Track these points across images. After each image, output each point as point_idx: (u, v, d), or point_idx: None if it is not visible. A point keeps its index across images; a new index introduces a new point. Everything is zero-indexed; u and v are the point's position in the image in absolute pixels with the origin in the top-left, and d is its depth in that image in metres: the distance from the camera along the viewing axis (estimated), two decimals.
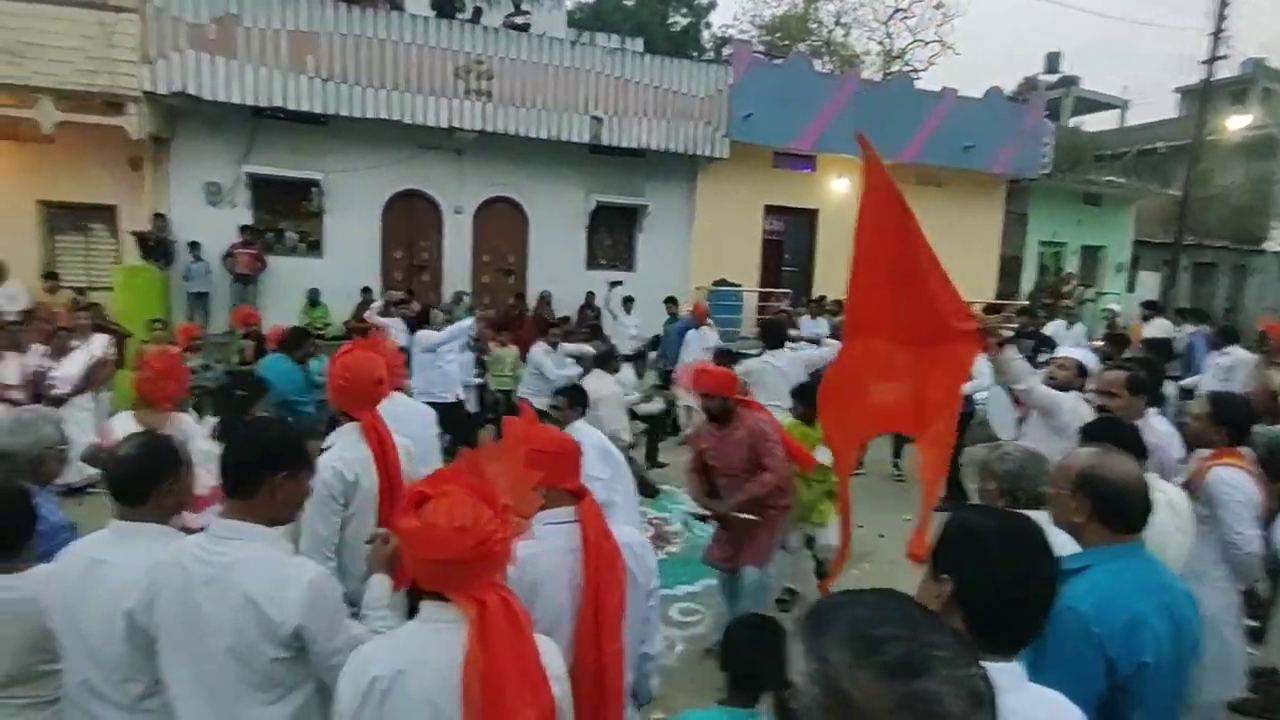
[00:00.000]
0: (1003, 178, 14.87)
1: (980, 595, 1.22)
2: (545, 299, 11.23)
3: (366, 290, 10.24)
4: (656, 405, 8.34)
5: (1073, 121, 26.18)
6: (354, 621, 1.72)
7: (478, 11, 11.55)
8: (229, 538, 1.64)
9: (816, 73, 14.17)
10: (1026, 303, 13.91)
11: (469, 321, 7.12)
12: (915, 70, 22.95)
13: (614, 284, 11.07)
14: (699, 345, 8.31)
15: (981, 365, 6.54)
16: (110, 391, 7.23)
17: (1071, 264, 16.81)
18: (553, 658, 1.46)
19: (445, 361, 6.75)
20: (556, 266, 11.78)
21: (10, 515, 2.02)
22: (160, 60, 9.04)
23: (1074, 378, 3.57)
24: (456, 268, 11.47)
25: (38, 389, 6.25)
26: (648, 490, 6.52)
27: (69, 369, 6.54)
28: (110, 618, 1.74)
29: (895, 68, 23.96)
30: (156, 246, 9.50)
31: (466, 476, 1.40)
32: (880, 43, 24.97)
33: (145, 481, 1.87)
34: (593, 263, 12.25)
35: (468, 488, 1.37)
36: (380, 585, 1.96)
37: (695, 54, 20.30)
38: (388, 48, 9.96)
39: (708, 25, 24.40)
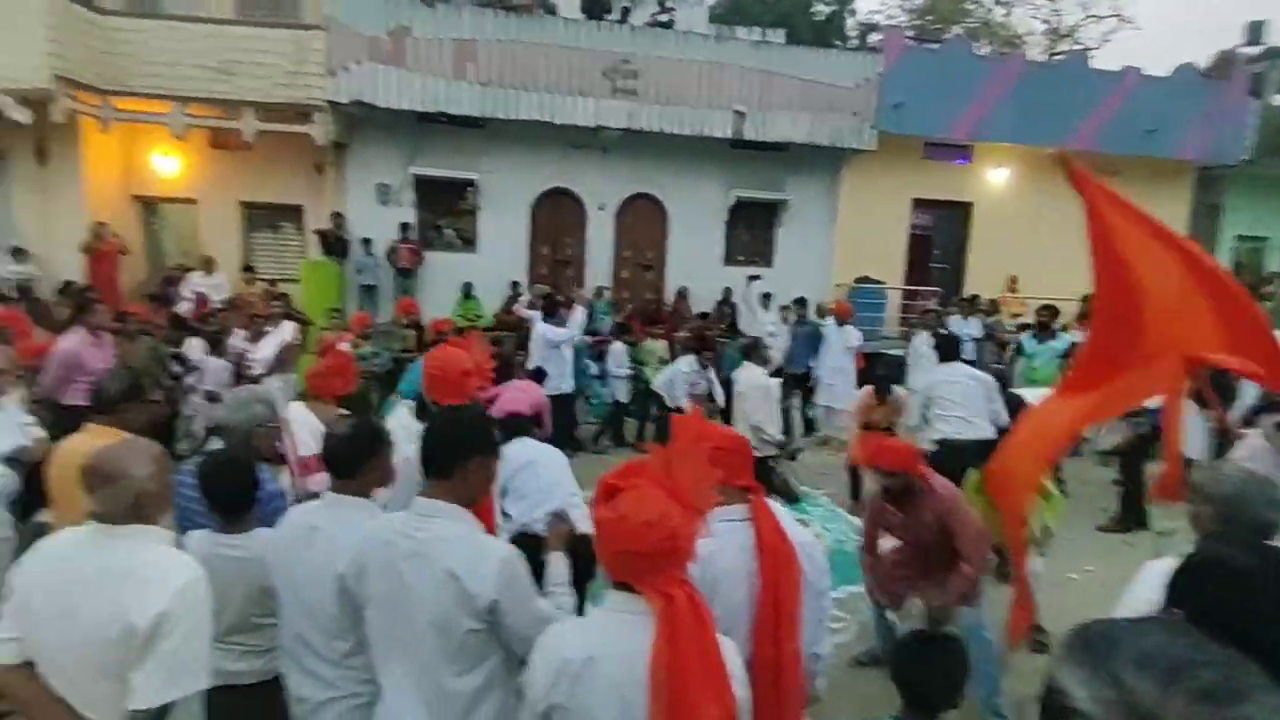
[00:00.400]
0: (1192, 165, 13.32)
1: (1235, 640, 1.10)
2: (682, 294, 11.32)
3: (515, 284, 10.76)
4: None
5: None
6: (541, 598, 1.83)
7: (625, 11, 11.78)
8: (430, 515, 1.77)
9: (976, 56, 13.31)
10: None
11: (581, 319, 7.58)
12: (1087, 49, 21.00)
13: (752, 278, 10.94)
14: (841, 344, 8.06)
15: None
16: (295, 373, 8.06)
17: (1275, 262, 14.79)
18: (733, 657, 1.47)
19: (565, 355, 7.30)
20: (694, 262, 11.83)
21: (239, 483, 2.29)
22: (342, 72, 9.93)
23: None
24: (598, 263, 11.79)
25: (238, 369, 7.08)
26: (789, 496, 6.45)
27: (263, 352, 7.34)
28: (322, 579, 1.93)
29: (1062, 47, 22.05)
30: (335, 243, 10.46)
31: (655, 472, 1.43)
32: (1046, 20, 23.08)
33: (354, 459, 2.08)
34: (730, 258, 12.19)
35: (656, 482, 1.41)
36: (558, 563, 2.08)
37: (839, 43, 19.63)
38: (540, 51, 10.38)
39: (852, 12, 23.51)
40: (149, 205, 11.29)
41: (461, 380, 2.80)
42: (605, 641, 1.42)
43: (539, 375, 6.40)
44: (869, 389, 5.96)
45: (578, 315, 7.58)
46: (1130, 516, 5.87)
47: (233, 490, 2.27)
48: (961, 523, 3.23)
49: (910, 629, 2.10)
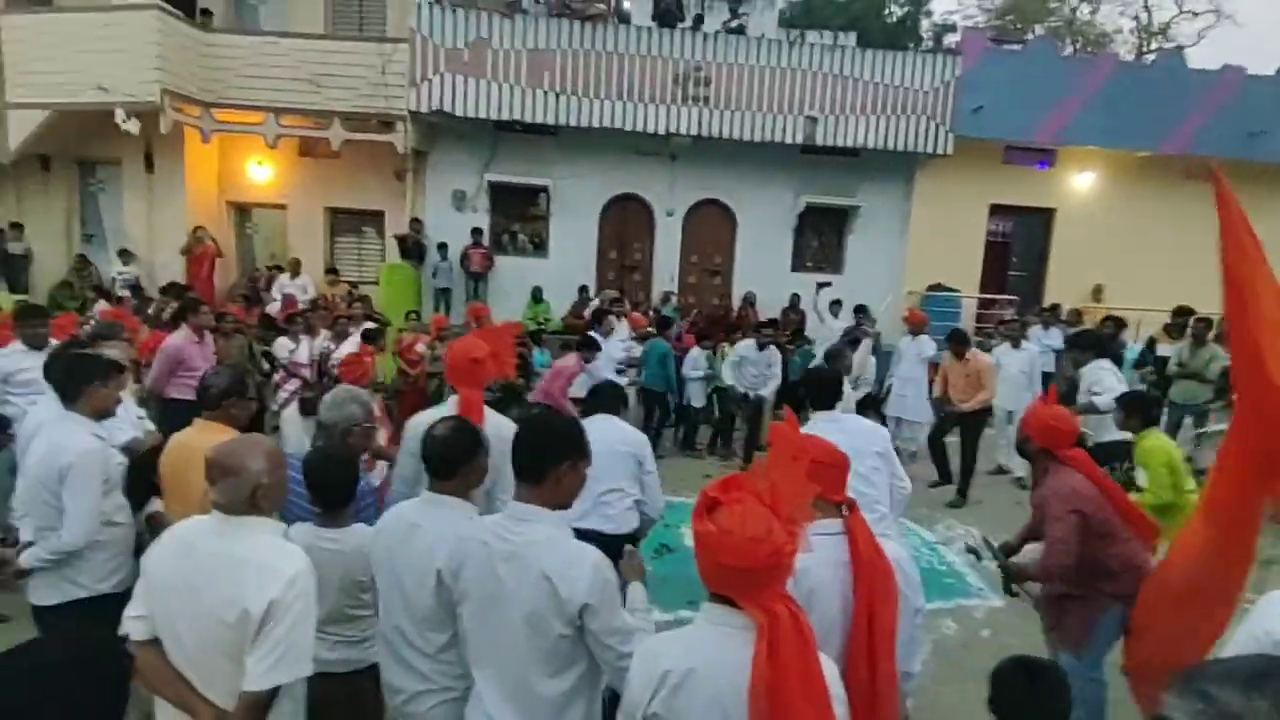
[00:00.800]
0: None
1: None
2: (750, 300, 11.26)
3: (584, 288, 10.92)
4: None
5: None
6: (625, 611, 1.86)
7: (698, 19, 11.82)
8: (524, 519, 1.83)
9: (1061, 57, 12.82)
10: None
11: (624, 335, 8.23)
12: (1181, 47, 19.92)
13: (822, 285, 10.81)
14: (916, 356, 7.85)
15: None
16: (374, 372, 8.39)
17: None
18: (834, 677, 1.45)
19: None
20: (762, 268, 11.76)
21: (342, 478, 2.40)
22: (423, 83, 10.30)
23: None
24: (665, 268, 11.85)
25: (322, 369, 7.41)
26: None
27: (346, 351, 7.68)
28: (422, 574, 2.01)
29: (1154, 46, 20.98)
30: (413, 247, 10.85)
31: (755, 485, 1.43)
32: (1135, 18, 22.04)
33: (454, 460, 2.16)
34: (798, 265, 12.06)
35: (758, 496, 1.41)
36: (637, 590, 2.12)
37: (913, 45, 19.18)
38: (613, 60, 10.53)
39: (928, 14, 22.98)
40: (242, 210, 11.96)
41: (471, 367, 2.92)
42: (706, 654, 1.42)
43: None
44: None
45: (620, 331, 8.23)
46: None
47: (335, 485, 2.38)
48: (1049, 527, 2.95)
49: (1012, 656, 2.02)
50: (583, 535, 1.92)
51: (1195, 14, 21.25)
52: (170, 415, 4.74)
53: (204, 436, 2.59)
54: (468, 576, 1.86)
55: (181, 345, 5.44)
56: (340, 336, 7.75)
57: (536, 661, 1.76)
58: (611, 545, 2.50)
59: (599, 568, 1.75)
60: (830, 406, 3.45)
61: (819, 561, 1.78)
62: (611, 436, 3.35)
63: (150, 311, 8.42)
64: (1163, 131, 11.54)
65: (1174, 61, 13.39)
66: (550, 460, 1.84)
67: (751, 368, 7.83)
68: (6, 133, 10.10)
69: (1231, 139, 11.69)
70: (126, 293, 9.50)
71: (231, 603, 1.76)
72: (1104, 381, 5.71)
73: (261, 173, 11.43)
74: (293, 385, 7.07)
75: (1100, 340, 6.51)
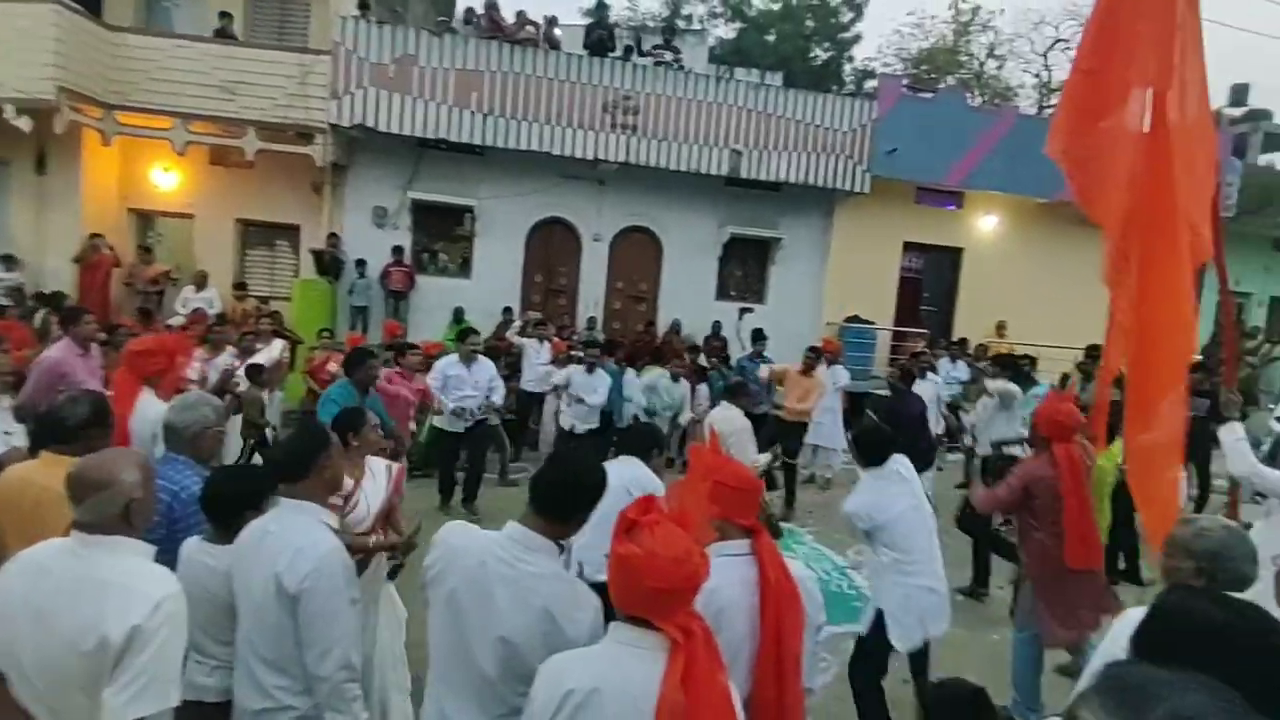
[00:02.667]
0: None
1: None
2: (675, 328, 11.38)
3: (507, 310, 10.78)
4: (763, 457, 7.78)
5: (1262, 160, 23.54)
6: None
7: (629, 50, 12.03)
8: (530, 548, 1.76)
9: (969, 107, 13.64)
10: (1201, 358, 12.57)
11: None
12: None
13: (744, 310, 11.02)
14: (830, 383, 8.09)
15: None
16: (281, 391, 8.01)
17: (1257, 317, 15.09)
18: (737, 699, 1.46)
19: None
20: (687, 296, 11.92)
21: (230, 491, 2.25)
22: (345, 96, 10.05)
23: None
24: (591, 293, 11.86)
25: (224, 385, 7.03)
26: (773, 531, 6.40)
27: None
28: (267, 580, 1.94)
29: (1053, 101, 22.63)
30: (329, 263, 10.49)
31: (669, 506, 1.44)
32: (1037, 75, 23.73)
33: (299, 460, 2.09)
34: (722, 293, 12.29)
35: (671, 517, 1.41)
36: None
37: (836, 88, 20.07)
38: (543, 84, 10.57)
39: (850, 59, 24.10)
40: (145, 219, 11.30)
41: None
42: (612, 674, 1.40)
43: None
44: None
45: (541, 354, 8.47)
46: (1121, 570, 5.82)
47: (226, 498, 2.25)
48: (1012, 478, 3.70)
49: (936, 679, 2.07)
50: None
51: None
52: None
53: (49, 472, 2.26)
54: (454, 586, 1.77)
55: (61, 358, 5.02)
56: (246, 353, 7.40)
57: (515, 679, 1.69)
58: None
59: (600, 612, 1.72)
60: (879, 463, 3.35)
61: (728, 581, 1.79)
62: (625, 479, 2.99)
63: (35, 322, 7.82)
64: (1057, 180, 12.32)
65: None
66: (580, 506, 1.81)
67: (666, 395, 8.08)
68: None
69: None
70: (8, 300, 8.79)
71: (88, 630, 1.62)
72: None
73: (168, 180, 10.86)
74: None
75: (1016, 365, 7.38)
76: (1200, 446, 6.57)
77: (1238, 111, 24.64)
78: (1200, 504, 7.31)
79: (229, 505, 2.23)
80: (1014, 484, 3.66)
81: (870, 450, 3.40)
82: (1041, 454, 3.69)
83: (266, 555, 1.97)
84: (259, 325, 8.23)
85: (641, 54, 11.95)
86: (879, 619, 3.34)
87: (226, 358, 7.28)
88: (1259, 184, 16.33)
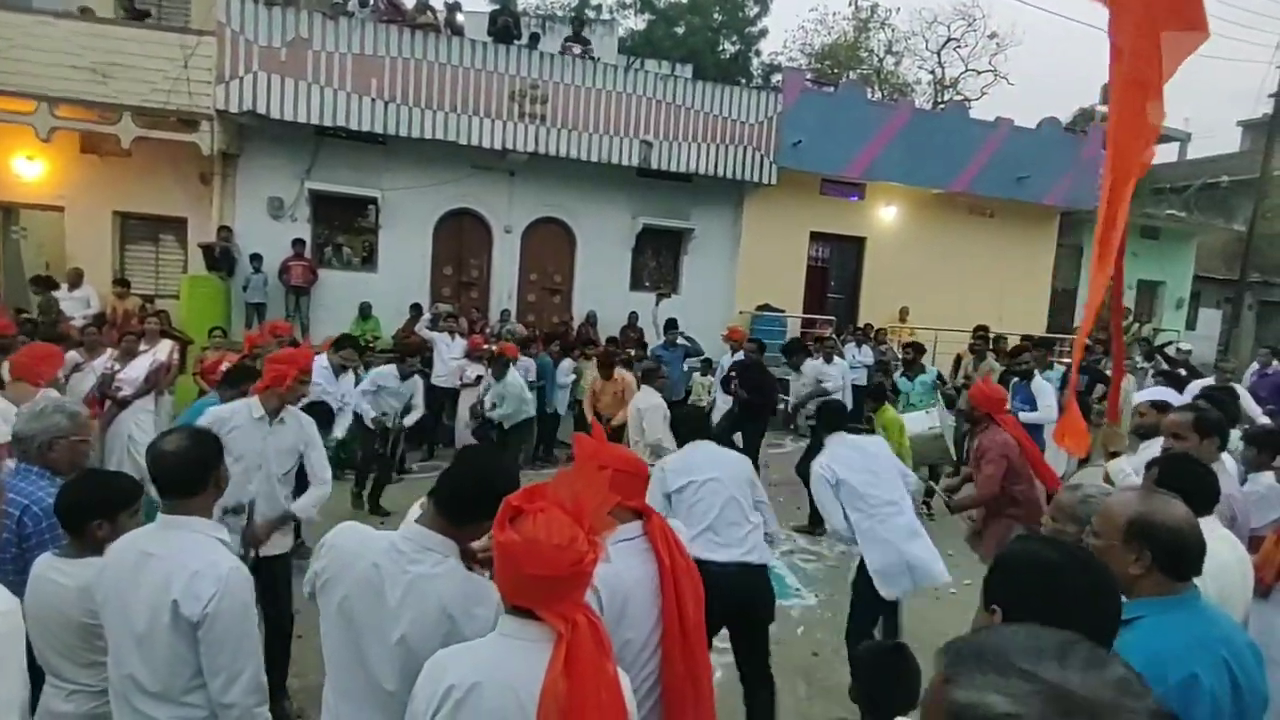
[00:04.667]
0: (1056, 209, 14.58)
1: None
2: (591, 319, 11.35)
3: (416, 305, 10.48)
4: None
5: None
6: None
7: (534, 38, 11.84)
8: (427, 548, 1.70)
9: (868, 101, 14.14)
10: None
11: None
12: (967, 100, 22.73)
13: (661, 295, 11.10)
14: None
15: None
16: (172, 395, 7.51)
17: (1128, 299, 16.34)
18: (628, 690, 1.45)
19: None
20: (601, 287, 11.91)
21: (81, 500, 2.07)
22: (233, 80, 9.48)
23: (1158, 419, 3.48)
24: (504, 286, 11.67)
25: (104, 391, 6.53)
26: None
27: (133, 373, 6.81)
28: (156, 609, 1.78)
29: (947, 97, 23.79)
30: (221, 257, 9.89)
31: (558, 494, 1.42)
32: (932, 72, 24.86)
33: (191, 477, 1.92)
34: (637, 284, 12.34)
35: (560, 505, 1.39)
36: None
37: (744, 81, 20.43)
38: (447, 71, 10.28)
39: (757, 53, 24.56)
40: (8, 211, 10.36)
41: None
42: (494, 667, 1.38)
43: None
44: None
45: (454, 349, 8.54)
46: None
47: (72, 507, 2.06)
48: (985, 460, 3.93)
49: (866, 643, 2.18)
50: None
51: (978, 72, 24.38)
52: None
53: None
54: (345, 590, 1.70)
55: None
56: (128, 355, 6.89)
57: (407, 688, 1.61)
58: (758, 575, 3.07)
59: (499, 606, 1.65)
60: (838, 429, 3.91)
61: (629, 565, 1.82)
62: (725, 460, 3.30)
63: None
64: (950, 172, 13.03)
65: (960, 112, 15.22)
66: (487, 509, 1.69)
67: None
68: None
69: (1003, 181, 13.43)
70: None
71: None
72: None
73: (32, 169, 9.96)
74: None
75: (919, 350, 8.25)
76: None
77: (1108, 108, 26.67)
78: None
79: (78, 513, 2.06)
80: (993, 457, 3.93)
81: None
82: (988, 428, 4.10)
83: (151, 581, 1.80)
84: (145, 325, 7.68)
85: (560, 51, 11.75)
86: (867, 580, 3.58)
87: (104, 361, 6.76)
88: None
